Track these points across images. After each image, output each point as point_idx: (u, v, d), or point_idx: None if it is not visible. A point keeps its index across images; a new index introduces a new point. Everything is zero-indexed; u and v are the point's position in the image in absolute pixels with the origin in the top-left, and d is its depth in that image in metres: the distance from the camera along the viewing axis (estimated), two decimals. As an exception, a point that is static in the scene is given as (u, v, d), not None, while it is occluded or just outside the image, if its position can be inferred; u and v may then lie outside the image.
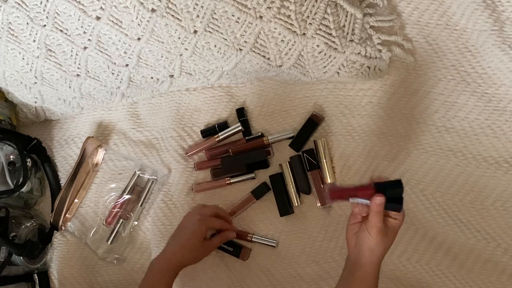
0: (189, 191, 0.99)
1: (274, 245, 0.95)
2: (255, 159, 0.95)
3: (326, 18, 0.83)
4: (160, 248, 0.99)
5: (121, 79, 0.97)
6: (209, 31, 0.85)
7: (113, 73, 0.96)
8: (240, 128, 0.96)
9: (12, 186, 0.98)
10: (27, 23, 0.90)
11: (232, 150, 0.97)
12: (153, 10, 0.84)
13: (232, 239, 0.96)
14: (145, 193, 1.02)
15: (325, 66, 0.88)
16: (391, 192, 0.67)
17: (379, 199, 0.66)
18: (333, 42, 0.84)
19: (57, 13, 0.88)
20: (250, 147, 0.96)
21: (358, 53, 0.86)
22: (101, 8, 0.85)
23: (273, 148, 0.97)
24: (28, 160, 1.02)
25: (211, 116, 1.00)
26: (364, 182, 0.70)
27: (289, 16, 0.82)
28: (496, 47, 0.85)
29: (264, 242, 0.95)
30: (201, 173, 1.00)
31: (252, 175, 0.96)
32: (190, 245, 0.87)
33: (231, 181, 0.97)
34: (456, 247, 0.88)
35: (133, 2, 0.83)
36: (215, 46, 0.87)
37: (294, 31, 0.83)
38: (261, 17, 0.82)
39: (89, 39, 0.90)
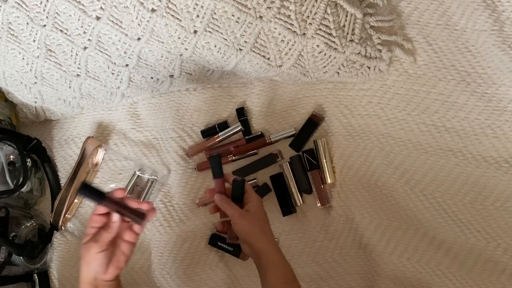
0: (189, 192, 0.99)
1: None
2: (265, 165, 0.97)
3: (326, 18, 0.83)
4: (159, 249, 1.00)
5: (121, 79, 0.97)
6: (209, 31, 0.85)
7: (113, 73, 0.96)
8: (240, 128, 0.96)
9: (12, 186, 0.98)
10: (27, 23, 0.90)
11: (235, 152, 0.97)
12: (153, 10, 0.84)
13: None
14: (145, 193, 1.02)
15: (325, 66, 0.88)
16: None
17: (217, 197, 0.77)
18: (333, 42, 0.84)
19: (57, 13, 0.88)
20: (252, 148, 0.97)
21: (358, 53, 0.86)
22: (101, 8, 0.85)
23: (274, 147, 0.97)
24: (28, 160, 1.02)
25: (211, 116, 1.00)
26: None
27: (289, 16, 0.82)
28: (496, 47, 0.85)
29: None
30: (201, 174, 1.00)
31: (254, 180, 0.97)
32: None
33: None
34: (456, 247, 0.88)
35: (133, 2, 0.83)
36: (215, 46, 0.87)
37: (294, 31, 0.83)
38: (261, 17, 0.82)
39: (89, 39, 0.90)
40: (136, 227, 0.69)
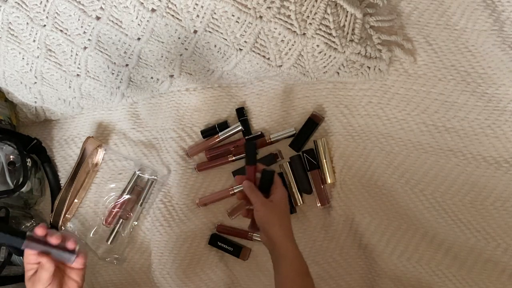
0: (189, 192, 0.99)
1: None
2: (265, 165, 0.96)
3: (326, 18, 0.83)
4: (159, 249, 1.00)
5: (121, 79, 0.97)
6: (209, 31, 0.85)
7: (113, 73, 0.96)
8: (240, 128, 0.96)
9: (12, 186, 0.98)
10: (27, 23, 0.90)
11: (235, 152, 0.97)
12: (153, 10, 0.84)
13: None
14: (145, 193, 1.02)
15: (325, 66, 0.88)
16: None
17: (245, 183, 0.78)
18: (333, 42, 0.84)
19: (57, 13, 0.88)
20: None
21: (358, 53, 0.86)
22: (101, 8, 0.85)
23: (274, 147, 0.97)
24: (28, 160, 1.02)
25: (211, 116, 1.00)
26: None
27: (289, 16, 0.82)
28: (496, 47, 0.85)
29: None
30: (201, 174, 1.00)
31: None
32: None
33: (235, 191, 0.97)
34: (456, 247, 0.88)
35: (133, 2, 0.83)
36: (215, 46, 0.87)
37: (294, 31, 0.83)
38: (261, 17, 0.82)
39: (89, 39, 0.90)
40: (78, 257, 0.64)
